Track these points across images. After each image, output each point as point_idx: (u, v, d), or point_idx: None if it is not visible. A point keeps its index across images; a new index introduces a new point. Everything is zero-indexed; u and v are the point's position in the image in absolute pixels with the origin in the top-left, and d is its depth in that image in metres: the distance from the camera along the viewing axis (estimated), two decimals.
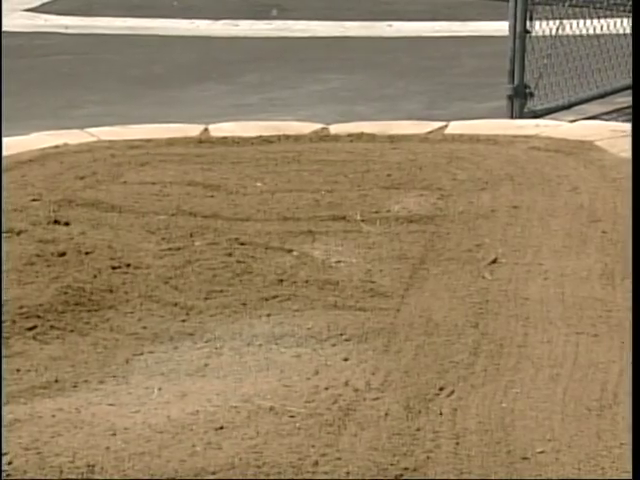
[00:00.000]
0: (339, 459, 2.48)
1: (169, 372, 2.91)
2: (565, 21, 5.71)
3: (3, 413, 2.64)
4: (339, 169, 4.47)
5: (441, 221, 3.93)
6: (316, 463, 2.47)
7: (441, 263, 3.57)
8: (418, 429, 2.59)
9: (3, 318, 3.13)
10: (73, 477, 2.41)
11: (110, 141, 4.88)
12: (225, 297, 3.34)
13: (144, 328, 3.16)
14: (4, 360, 2.93)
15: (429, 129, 5.01)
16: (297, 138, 4.90)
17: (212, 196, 4.22)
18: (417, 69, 6.69)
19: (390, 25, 7.94)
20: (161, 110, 5.75)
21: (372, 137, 4.87)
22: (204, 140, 4.92)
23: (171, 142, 4.88)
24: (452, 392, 2.75)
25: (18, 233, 3.76)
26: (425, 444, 2.53)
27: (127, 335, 3.11)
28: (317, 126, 5.08)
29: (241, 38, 7.75)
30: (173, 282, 3.44)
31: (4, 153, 4.69)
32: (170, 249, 3.69)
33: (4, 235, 3.74)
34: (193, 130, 5.05)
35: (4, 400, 2.71)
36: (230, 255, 3.63)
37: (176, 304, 3.30)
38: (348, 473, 2.43)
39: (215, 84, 6.44)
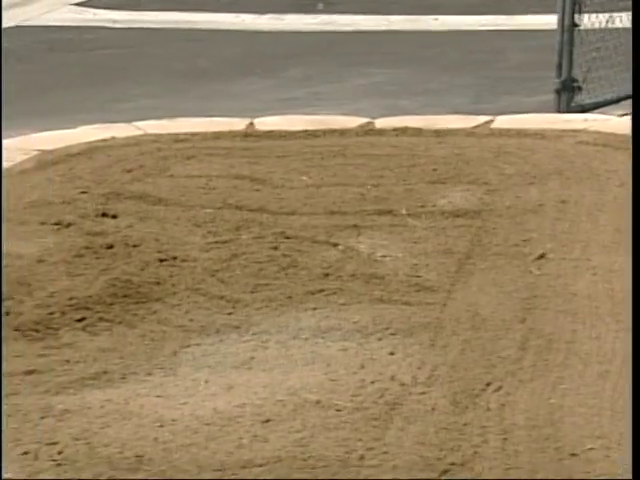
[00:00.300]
0: (386, 453, 2.48)
1: (216, 364, 2.92)
2: (615, 14, 5.65)
3: (52, 402, 2.67)
4: (384, 163, 4.46)
5: (488, 216, 3.91)
6: (362, 457, 2.47)
7: (488, 258, 3.55)
8: (465, 424, 2.58)
9: (52, 309, 3.16)
10: (122, 467, 2.43)
11: (157, 134, 4.91)
12: (271, 290, 3.35)
13: (191, 321, 3.17)
14: (53, 350, 2.96)
15: (475, 123, 4.98)
16: (342, 132, 4.90)
17: (258, 190, 4.23)
18: (463, 63, 6.65)
19: (436, 19, 7.90)
20: (206, 104, 5.76)
21: (418, 131, 4.85)
22: (250, 134, 4.93)
23: (217, 136, 4.89)
24: (500, 387, 2.74)
25: (67, 225, 3.79)
26: (472, 439, 2.52)
27: (174, 327, 3.13)
28: (362, 120, 5.07)
29: (286, 32, 7.75)
30: (219, 275, 3.46)
31: (52, 146, 4.73)
32: (216, 242, 3.71)
33: (53, 227, 3.78)
34: (239, 124, 5.06)
35: (54, 390, 2.74)
36: (276, 249, 3.64)
37: (222, 297, 3.31)
38: (395, 467, 2.43)
39: (260, 78, 6.45)
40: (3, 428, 2.36)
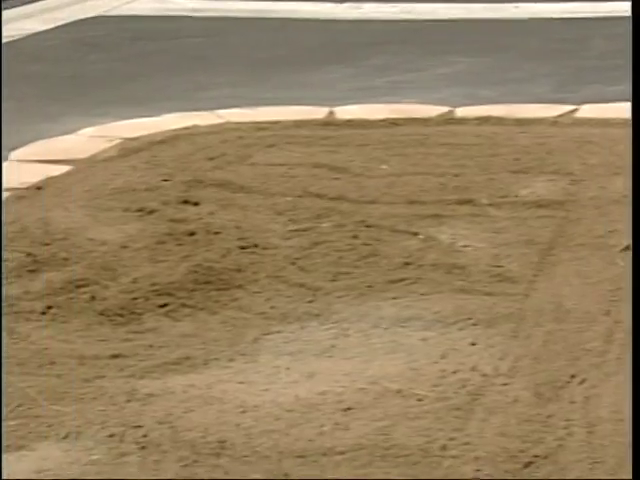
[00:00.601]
0: (467, 444, 2.46)
1: (297, 352, 2.94)
2: None
3: (137, 386, 2.70)
4: (466, 152, 4.43)
5: (571, 206, 3.85)
6: (444, 447, 2.46)
7: (571, 249, 3.50)
8: (549, 416, 2.55)
9: (136, 295, 3.20)
10: (205, 452, 2.46)
11: (238, 123, 4.94)
12: (351, 279, 3.35)
13: (272, 308, 3.19)
14: (137, 335, 3.00)
15: (558, 112, 4.91)
16: (423, 121, 4.87)
17: (338, 178, 4.23)
18: (545, 51, 6.56)
19: (517, 7, 7.80)
20: (286, 93, 5.78)
21: (499, 120, 4.80)
22: (330, 122, 4.93)
23: (298, 124, 4.91)
24: (584, 380, 2.70)
25: (150, 212, 3.84)
26: (556, 432, 2.49)
27: (255, 314, 3.15)
28: (443, 109, 5.04)
29: (365, 21, 7.73)
30: (300, 263, 3.47)
31: (136, 134, 4.79)
32: (297, 230, 3.72)
33: (137, 214, 3.83)
34: (319, 113, 5.07)
35: (139, 374, 2.78)
36: (356, 237, 3.63)
37: (303, 285, 3.32)
38: (476, 458, 2.41)
39: (339, 67, 6.44)
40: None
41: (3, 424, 2.50)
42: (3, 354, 2.62)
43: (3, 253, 3.22)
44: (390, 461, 2.42)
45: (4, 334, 2.93)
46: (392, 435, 2.51)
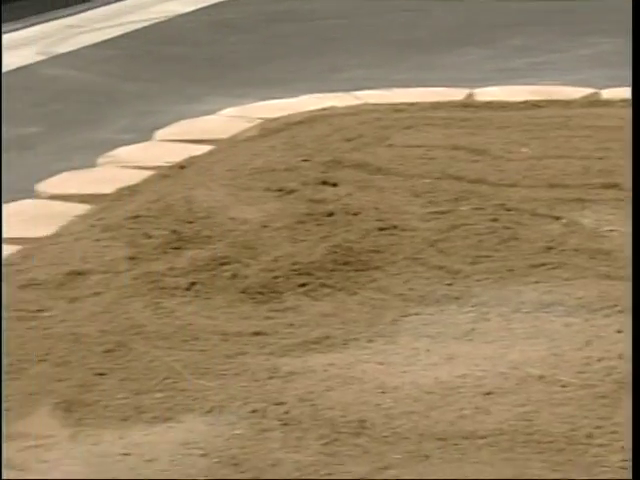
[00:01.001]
0: (614, 433, 2.41)
1: (436, 335, 2.92)
2: None
3: (278, 364, 2.73)
4: (611, 135, 4.32)
5: None
6: (590, 435, 2.41)
7: None
8: None
9: (276, 274, 3.24)
10: (345, 431, 2.47)
11: (375, 104, 4.93)
12: (491, 262, 3.31)
13: (410, 290, 3.18)
14: (278, 313, 3.03)
15: None
16: (566, 103, 4.77)
17: (477, 161, 4.18)
18: None
19: None
20: (422, 74, 5.74)
21: None
22: (469, 104, 4.88)
23: (435, 106, 4.87)
24: None
25: (289, 192, 3.87)
26: None
27: (394, 296, 3.14)
28: (587, 91, 4.92)
29: (503, 1, 7.61)
30: (439, 245, 3.44)
31: (274, 115, 4.84)
32: (435, 212, 3.69)
33: (276, 193, 3.86)
34: (457, 94, 5.02)
35: (279, 352, 2.81)
36: (496, 221, 3.59)
37: (442, 267, 3.30)
38: (624, 448, 2.35)
39: (477, 48, 6.36)
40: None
41: (147, 396, 2.56)
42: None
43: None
44: (533, 447, 2.38)
45: (149, 309, 3.00)
46: (535, 421, 2.47)
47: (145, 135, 4.68)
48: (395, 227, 3.57)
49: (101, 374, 2.66)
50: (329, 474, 2.32)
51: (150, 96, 5.50)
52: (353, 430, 2.47)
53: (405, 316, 3.03)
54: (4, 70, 6.02)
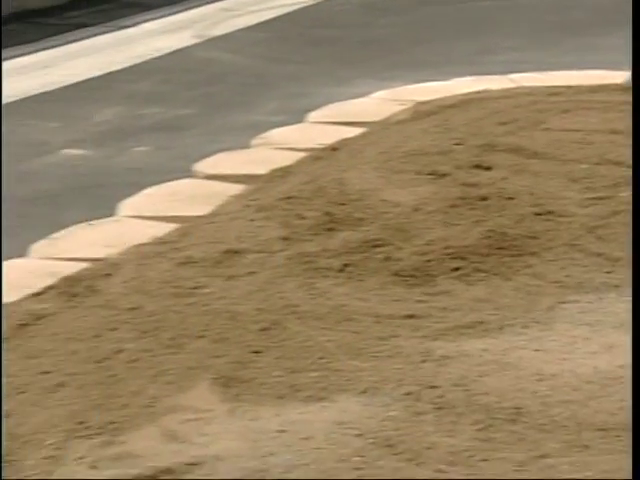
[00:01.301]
0: None
1: (594, 323, 2.84)
2: None
3: (432, 347, 2.71)
4: None
5: None
6: None
7: None
8: None
9: (429, 257, 3.21)
10: (500, 417, 2.43)
11: (530, 87, 4.84)
12: None
13: (567, 277, 3.10)
14: (431, 297, 3.01)
15: None
16: None
17: None
18: None
19: None
20: (579, 57, 5.59)
21: None
22: (628, 88, 4.72)
23: (593, 89, 4.74)
24: None
25: (442, 176, 3.83)
26: None
27: (550, 282, 3.08)
28: None
29: None
30: (598, 232, 3.35)
31: (427, 97, 4.80)
32: (594, 198, 3.60)
33: (428, 177, 3.83)
34: (616, 77, 4.87)
35: (433, 335, 2.78)
36: None
37: (601, 255, 3.21)
38: None
39: None
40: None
41: (302, 375, 2.57)
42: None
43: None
44: None
45: (301, 290, 3.02)
46: None
47: (296, 117, 4.71)
48: (551, 213, 3.49)
49: (257, 352, 2.70)
50: (484, 459, 2.28)
51: (301, 78, 5.53)
52: (509, 417, 2.43)
53: (562, 303, 2.96)
54: (160, 53, 6.17)
